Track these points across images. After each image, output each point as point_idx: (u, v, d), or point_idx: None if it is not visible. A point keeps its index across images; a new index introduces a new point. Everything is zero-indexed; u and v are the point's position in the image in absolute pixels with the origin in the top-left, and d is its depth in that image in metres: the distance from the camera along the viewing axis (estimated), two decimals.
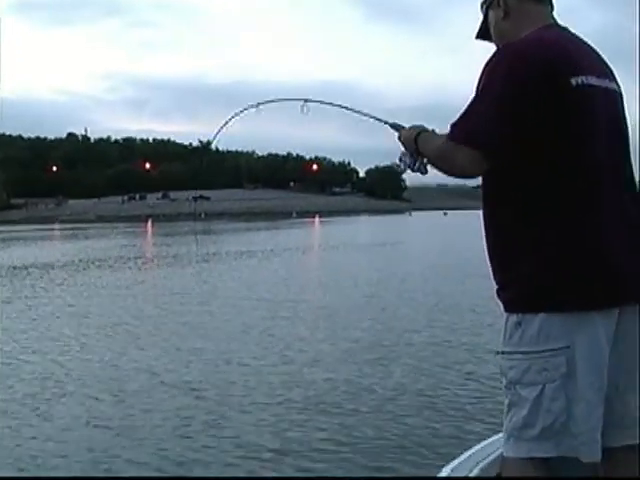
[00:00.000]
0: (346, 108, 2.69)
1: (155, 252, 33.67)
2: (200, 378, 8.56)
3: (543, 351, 2.07)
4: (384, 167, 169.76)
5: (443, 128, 2.25)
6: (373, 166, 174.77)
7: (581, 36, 2.28)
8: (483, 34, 2.45)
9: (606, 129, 2.16)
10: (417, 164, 2.38)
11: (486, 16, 2.41)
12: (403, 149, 2.43)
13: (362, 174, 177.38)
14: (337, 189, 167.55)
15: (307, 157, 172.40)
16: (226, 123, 3.22)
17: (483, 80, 2.14)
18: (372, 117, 2.62)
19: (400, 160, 2.44)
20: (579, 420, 2.06)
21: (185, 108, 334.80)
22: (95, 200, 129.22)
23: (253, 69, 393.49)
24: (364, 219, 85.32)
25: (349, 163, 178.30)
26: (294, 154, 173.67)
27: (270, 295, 16.00)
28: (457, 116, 2.15)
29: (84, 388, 8.21)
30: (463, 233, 40.25)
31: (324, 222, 75.27)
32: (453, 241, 36.01)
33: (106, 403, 7.62)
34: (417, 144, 2.33)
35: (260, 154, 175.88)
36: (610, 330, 2.11)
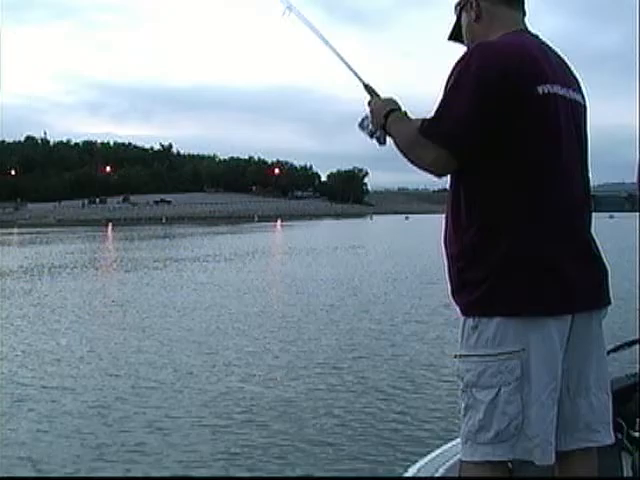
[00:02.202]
0: (326, 42, 2.54)
1: (112, 257, 33.27)
2: (143, 391, 8.26)
3: (498, 354, 2.06)
4: (346, 171, 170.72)
5: None
6: (335, 170, 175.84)
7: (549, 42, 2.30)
8: (455, 36, 2.45)
9: (569, 137, 2.19)
10: (378, 133, 2.35)
11: (459, 18, 2.41)
12: (369, 115, 2.38)
13: (324, 178, 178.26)
14: (299, 193, 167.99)
15: (269, 161, 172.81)
16: None
17: (454, 78, 2.14)
18: (349, 67, 2.49)
19: (362, 122, 2.39)
20: (533, 423, 2.05)
21: (143, 111, 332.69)
22: (55, 204, 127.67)
23: (211, 73, 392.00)
24: (326, 223, 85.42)
25: (311, 167, 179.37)
26: (256, 158, 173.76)
27: (225, 303, 15.79)
28: (432, 112, 2.15)
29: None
30: (422, 238, 40.52)
31: (286, 226, 75.22)
32: (412, 246, 36.15)
33: (41, 419, 7.25)
34: (386, 121, 2.31)
35: (222, 158, 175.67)
36: (563, 335, 2.11)
